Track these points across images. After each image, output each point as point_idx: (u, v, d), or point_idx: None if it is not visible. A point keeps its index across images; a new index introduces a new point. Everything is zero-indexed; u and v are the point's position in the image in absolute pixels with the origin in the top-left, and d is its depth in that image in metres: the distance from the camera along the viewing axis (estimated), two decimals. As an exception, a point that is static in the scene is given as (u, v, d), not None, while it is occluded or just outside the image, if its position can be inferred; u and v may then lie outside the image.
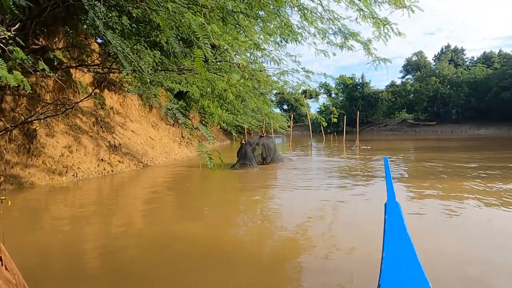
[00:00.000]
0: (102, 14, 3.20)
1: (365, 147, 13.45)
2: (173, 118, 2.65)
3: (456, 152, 10.55)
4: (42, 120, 5.48)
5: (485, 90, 31.43)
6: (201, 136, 13.83)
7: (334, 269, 2.07)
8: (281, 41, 6.85)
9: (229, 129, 19.83)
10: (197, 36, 3.02)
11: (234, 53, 6.31)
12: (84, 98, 5.78)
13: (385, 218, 0.92)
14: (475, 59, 42.66)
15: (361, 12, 5.04)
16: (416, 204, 3.76)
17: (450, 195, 4.12)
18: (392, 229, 0.88)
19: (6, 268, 0.61)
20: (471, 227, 2.93)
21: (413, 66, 44.96)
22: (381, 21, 4.98)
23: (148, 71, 3.49)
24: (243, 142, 7.66)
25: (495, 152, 10.61)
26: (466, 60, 43.97)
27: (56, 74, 4.30)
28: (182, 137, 12.56)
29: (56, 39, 7.09)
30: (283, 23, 5.93)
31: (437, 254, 2.23)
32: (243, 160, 7.41)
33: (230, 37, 5.82)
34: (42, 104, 5.78)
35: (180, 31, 5.58)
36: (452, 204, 3.66)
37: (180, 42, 6.28)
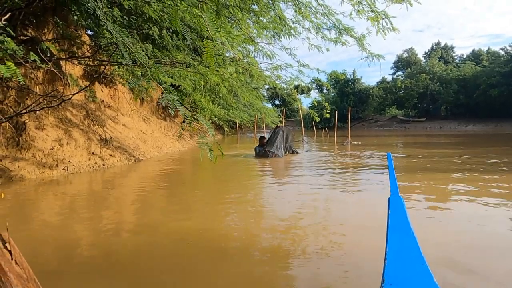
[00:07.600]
0: (103, 4, 3.14)
1: (356, 142, 13.58)
2: (173, 110, 2.63)
3: (444, 148, 10.73)
4: (34, 112, 5.37)
5: (473, 87, 32.01)
6: (196, 131, 13.72)
7: (328, 261, 2.10)
8: (274, 36, 6.84)
9: (220, 124, 19.73)
10: (201, 29, 2.98)
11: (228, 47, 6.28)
12: (79, 91, 5.68)
13: (388, 213, 0.93)
14: (464, 56, 43.32)
15: (359, 6, 5.02)
16: (404, 196, 3.82)
17: (436, 189, 4.20)
18: (395, 224, 0.89)
19: (16, 263, 0.59)
20: (454, 215, 3.00)
21: (404, 62, 45.36)
22: (379, 14, 4.97)
23: (148, 63, 3.45)
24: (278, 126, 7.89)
25: (481, 148, 10.83)
26: (456, 57, 44.61)
27: (48, 66, 4.21)
28: (182, 129, 12.50)
29: (46, 30, 6.93)
30: (277, 17, 5.91)
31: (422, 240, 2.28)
32: (269, 148, 7.63)
33: (223, 31, 5.77)
34: (33, 96, 5.66)
35: (173, 24, 5.52)
36: (438, 198, 3.74)
37: (174, 35, 6.21)
